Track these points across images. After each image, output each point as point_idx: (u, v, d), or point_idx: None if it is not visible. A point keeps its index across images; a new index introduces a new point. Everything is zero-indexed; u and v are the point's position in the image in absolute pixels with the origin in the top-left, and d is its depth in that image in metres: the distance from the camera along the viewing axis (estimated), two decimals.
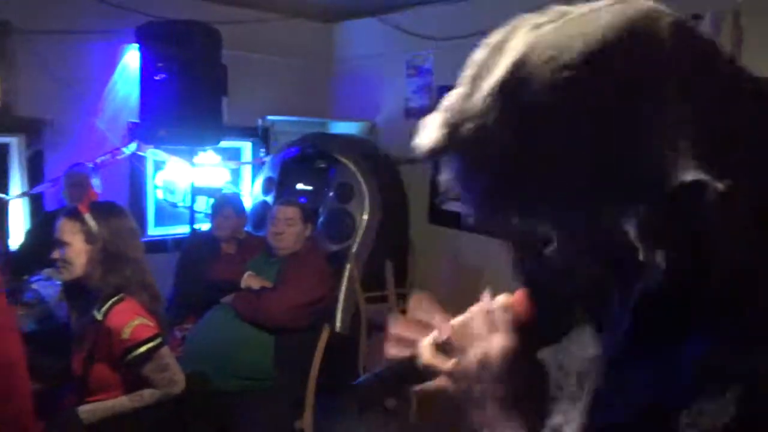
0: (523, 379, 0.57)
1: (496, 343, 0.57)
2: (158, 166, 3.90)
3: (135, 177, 3.82)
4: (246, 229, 3.32)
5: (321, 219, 3.68)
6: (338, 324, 3.60)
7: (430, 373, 0.61)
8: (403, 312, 2.91)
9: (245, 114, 4.11)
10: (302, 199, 3.73)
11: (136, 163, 3.77)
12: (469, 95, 0.51)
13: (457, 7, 3.66)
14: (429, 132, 0.53)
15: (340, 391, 3.47)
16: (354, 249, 3.62)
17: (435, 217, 3.91)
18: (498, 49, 0.51)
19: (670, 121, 0.44)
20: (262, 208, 3.70)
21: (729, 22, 2.57)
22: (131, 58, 3.60)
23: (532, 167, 0.48)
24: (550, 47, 0.47)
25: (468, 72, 0.53)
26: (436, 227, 3.90)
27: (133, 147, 3.62)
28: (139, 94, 3.24)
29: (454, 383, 0.59)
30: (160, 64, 3.22)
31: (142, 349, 1.82)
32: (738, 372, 0.42)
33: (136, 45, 3.29)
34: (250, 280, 2.65)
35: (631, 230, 0.44)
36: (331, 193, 3.74)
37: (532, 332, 0.58)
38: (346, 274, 3.61)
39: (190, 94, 3.20)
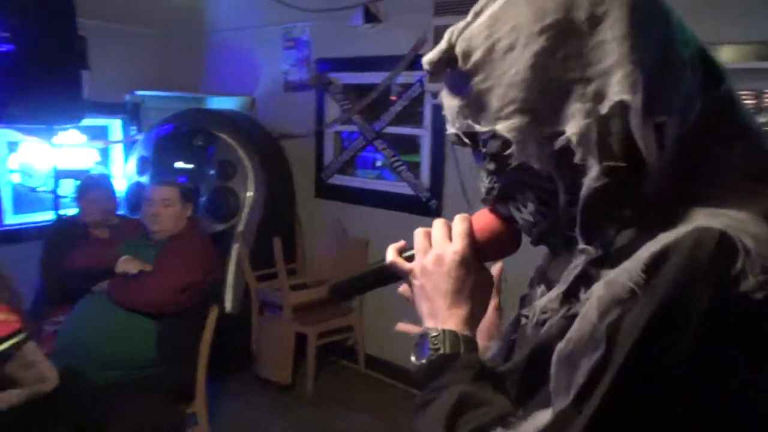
0: (473, 279, 0.67)
1: (451, 247, 0.68)
2: (12, 147, 3.53)
3: None
4: (121, 213, 3.11)
5: (203, 198, 3.55)
6: (228, 304, 3.52)
7: (395, 271, 0.72)
8: (293, 288, 3.00)
9: (111, 89, 3.82)
10: (182, 179, 3.57)
11: None
12: (469, 24, 0.63)
13: None
14: (434, 50, 0.64)
15: (232, 372, 3.43)
16: (240, 227, 3.54)
17: (321, 191, 3.92)
18: None
19: (613, 58, 0.55)
20: (137, 190, 3.50)
21: None
22: None
23: (499, 81, 0.59)
24: None
25: (474, 6, 0.64)
26: (322, 201, 3.91)
27: None
28: None
29: (412, 279, 0.70)
30: (4, 34, 2.89)
31: (4, 346, 1.67)
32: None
33: None
34: (126, 264, 2.50)
35: (573, 137, 0.56)
36: (212, 171, 3.62)
37: (484, 243, 0.69)
38: (234, 253, 3.53)
39: (43, 68, 2.92)
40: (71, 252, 2.66)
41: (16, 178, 3.56)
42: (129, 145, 3.96)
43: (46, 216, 3.48)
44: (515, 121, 0.59)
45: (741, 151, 0.57)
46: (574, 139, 0.55)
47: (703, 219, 0.51)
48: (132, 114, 4.01)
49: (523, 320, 0.69)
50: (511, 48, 0.59)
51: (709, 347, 0.47)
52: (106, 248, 2.65)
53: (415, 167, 3.50)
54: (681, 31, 0.60)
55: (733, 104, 0.60)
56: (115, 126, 4.05)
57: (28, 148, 3.47)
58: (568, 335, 0.53)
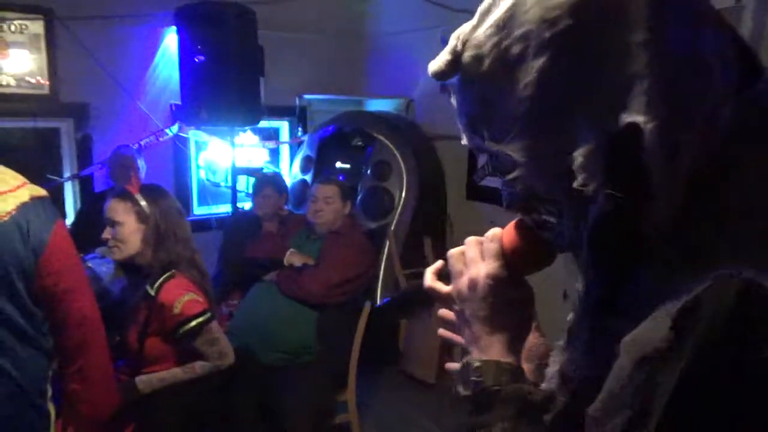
0: (508, 301, 0.63)
1: (483, 269, 0.64)
2: (200, 146, 3.99)
3: (179, 158, 3.91)
4: (287, 207, 3.37)
5: (359, 197, 3.72)
6: (379, 300, 3.65)
7: (432, 296, 0.70)
8: None
9: (282, 94, 4.14)
10: (340, 177, 3.77)
11: (179, 144, 3.86)
12: (475, 27, 0.57)
13: None
14: (439, 57, 0.59)
15: (380, 366, 3.55)
16: (392, 226, 3.64)
17: (473, 193, 3.90)
18: None
19: (630, 69, 0.48)
20: (301, 187, 3.76)
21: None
22: (171, 40, 3.66)
23: (508, 95, 0.54)
24: None
25: (480, 7, 0.58)
26: (473, 203, 3.89)
27: (175, 129, 3.71)
28: (179, 76, 3.30)
29: (449, 304, 0.68)
30: (198, 47, 3.26)
31: (193, 323, 1.89)
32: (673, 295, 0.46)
33: (175, 28, 3.34)
34: (292, 258, 2.71)
35: (577, 159, 0.50)
36: (368, 171, 3.77)
37: (516, 259, 0.64)
38: (385, 251, 3.65)
39: (228, 76, 3.24)
40: (246, 243, 2.94)
41: (203, 174, 4.02)
42: (295, 145, 4.27)
43: (225, 208, 3.88)
44: (522, 142, 0.54)
45: None
46: (578, 162, 0.50)
47: (729, 262, 0.44)
48: (299, 116, 4.32)
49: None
50: (521, 57, 0.53)
51: (736, 408, 0.43)
52: (275, 241, 2.89)
53: None
54: (710, 17, 0.51)
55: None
56: (284, 128, 4.40)
57: (213, 147, 3.89)
58: (599, 396, 0.49)
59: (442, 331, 0.82)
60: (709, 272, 0.44)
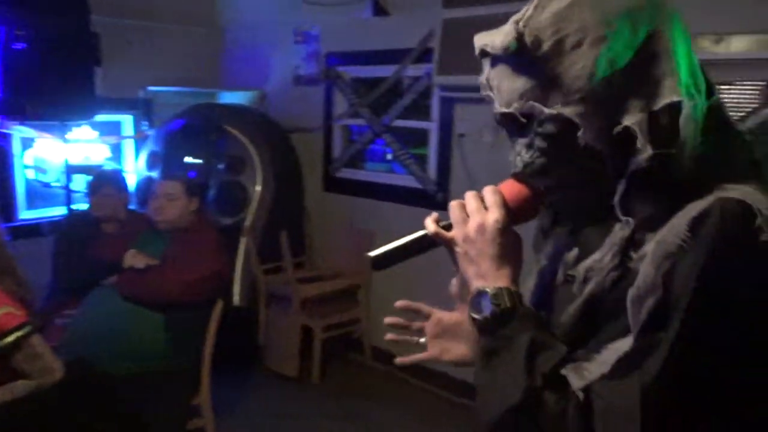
0: (510, 243, 0.76)
1: (492, 216, 0.75)
2: (26, 144, 3.60)
3: (0, 157, 3.50)
4: (132, 207, 3.15)
5: (212, 192, 3.59)
6: (236, 297, 3.56)
7: (437, 241, 0.79)
8: (300, 281, 3.01)
9: (124, 85, 3.87)
10: (191, 173, 3.60)
11: (0, 141, 3.45)
12: (532, 16, 0.70)
13: None
14: (502, 35, 0.71)
15: (240, 364, 3.47)
16: (248, 222, 3.56)
17: (330, 185, 3.93)
18: None
19: (663, 67, 0.68)
20: (148, 185, 3.54)
21: None
22: None
23: (567, 72, 0.69)
24: None
25: None
26: (330, 195, 3.92)
27: None
28: None
29: (456, 246, 0.77)
30: (19, 32, 2.94)
31: (10, 338, 1.71)
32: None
33: None
34: (133, 259, 2.54)
35: (633, 127, 0.67)
36: (221, 166, 3.64)
37: (514, 209, 0.77)
38: (242, 247, 3.56)
39: (57, 65, 2.97)
40: (83, 247, 2.71)
41: (30, 174, 3.63)
42: (140, 140, 4.01)
43: (59, 211, 3.55)
44: (582, 108, 0.68)
45: (737, 144, 0.73)
46: (635, 129, 0.67)
47: (722, 193, 0.65)
48: (144, 110, 4.06)
49: (559, 278, 0.80)
50: (578, 44, 0.68)
51: (748, 287, 0.62)
52: (115, 243, 2.70)
53: (422, 160, 3.49)
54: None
55: (724, 110, 0.73)
56: (127, 122, 4.11)
57: (42, 144, 3.53)
58: (636, 283, 0.65)
59: (400, 303, 1.00)
60: (712, 199, 0.64)
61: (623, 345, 0.66)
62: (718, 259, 0.61)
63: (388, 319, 1.00)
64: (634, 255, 0.68)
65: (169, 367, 2.47)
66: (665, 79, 0.68)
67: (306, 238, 3.89)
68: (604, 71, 0.68)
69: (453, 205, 0.78)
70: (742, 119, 2.40)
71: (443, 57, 3.07)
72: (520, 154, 0.76)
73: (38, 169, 3.61)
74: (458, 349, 0.96)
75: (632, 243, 0.69)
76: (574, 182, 0.74)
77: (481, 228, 0.75)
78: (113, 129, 4.03)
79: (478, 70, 0.78)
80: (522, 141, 0.75)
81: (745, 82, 2.42)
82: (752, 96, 2.42)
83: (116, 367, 2.35)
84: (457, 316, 0.96)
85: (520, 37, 0.70)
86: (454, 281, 0.94)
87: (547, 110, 0.70)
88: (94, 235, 2.83)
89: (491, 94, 0.76)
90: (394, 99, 3.58)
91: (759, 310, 0.62)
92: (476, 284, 0.76)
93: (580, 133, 0.69)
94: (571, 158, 0.72)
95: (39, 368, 1.79)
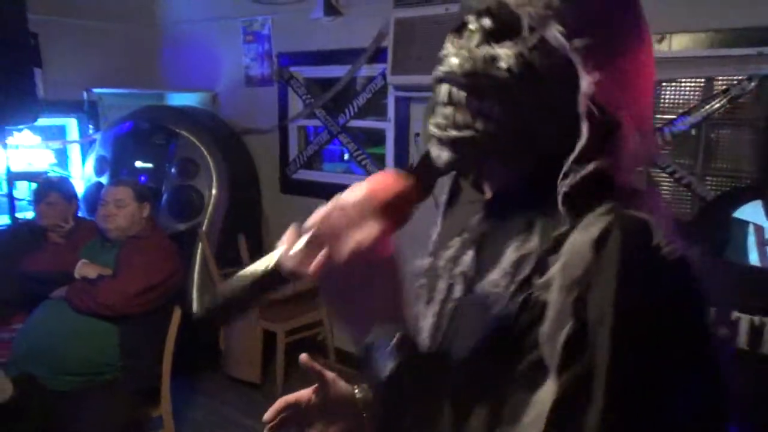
0: (390, 265, 0.63)
1: (364, 233, 0.60)
2: None
3: None
4: (80, 215, 3.03)
5: (165, 197, 3.49)
6: (194, 304, 3.47)
7: (291, 278, 0.64)
8: None
9: (67, 87, 3.72)
10: (142, 178, 3.50)
11: None
12: None
13: None
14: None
15: (201, 371, 3.40)
16: (204, 226, 3.49)
17: (287, 187, 3.88)
18: None
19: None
20: (96, 191, 3.41)
21: None
22: None
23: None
24: None
25: None
26: (288, 196, 3.88)
27: None
28: None
29: (325, 281, 0.62)
30: None
31: None
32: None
33: None
34: (85, 269, 2.44)
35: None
36: (173, 170, 3.55)
37: (397, 204, 0.62)
38: (198, 252, 3.48)
39: None
40: (27, 257, 2.58)
41: None
42: (87, 144, 3.86)
43: (1, 220, 3.38)
44: (590, 46, 0.60)
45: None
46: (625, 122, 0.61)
47: (619, 212, 0.59)
48: (89, 112, 3.91)
49: (456, 291, 0.70)
50: None
51: (659, 301, 0.56)
52: (63, 252, 2.59)
53: (380, 160, 3.49)
54: None
55: None
56: (71, 125, 3.95)
57: None
58: (547, 318, 0.58)
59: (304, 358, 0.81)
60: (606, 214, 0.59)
61: (546, 393, 0.57)
62: (628, 281, 0.56)
63: (269, 427, 0.83)
64: (536, 281, 0.60)
65: (124, 379, 2.39)
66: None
67: (264, 241, 3.84)
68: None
69: (313, 223, 0.63)
70: (671, 122, 2.50)
71: (397, 56, 3.07)
72: (475, 58, 0.63)
73: None
74: (337, 426, 0.82)
75: (538, 265, 0.61)
76: (507, 134, 0.63)
77: (355, 254, 0.60)
78: (57, 133, 3.87)
79: (431, 70, 0.69)
80: (487, 49, 0.63)
81: (686, 80, 2.52)
82: (693, 93, 2.53)
83: (67, 382, 2.26)
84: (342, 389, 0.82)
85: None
86: (303, 357, 0.81)
87: (564, 40, 0.60)
88: (40, 244, 2.71)
89: None
90: (349, 99, 3.56)
91: (676, 325, 0.57)
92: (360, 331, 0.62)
93: (588, 84, 0.59)
94: (532, 107, 0.63)
95: None
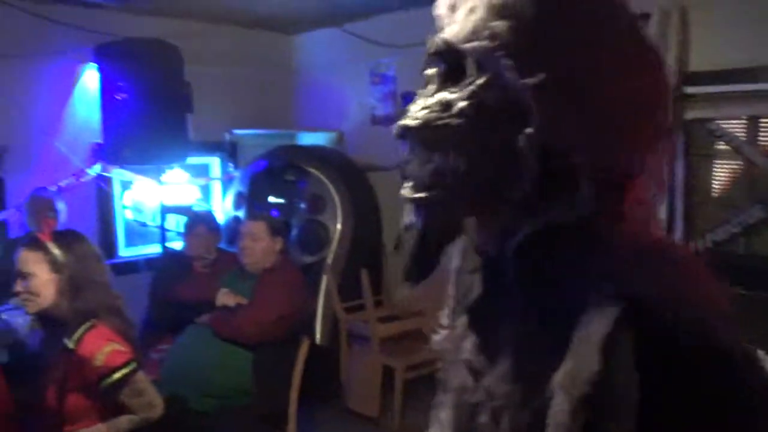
0: None
1: None
2: (125, 186, 3.84)
3: (102, 198, 3.75)
4: (220, 246, 3.28)
5: (294, 231, 3.67)
6: (318, 336, 3.59)
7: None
8: (380, 320, 2.98)
9: (211, 129, 4.08)
10: (274, 212, 3.71)
11: (102, 184, 3.70)
12: None
13: (415, 14, 3.70)
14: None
15: (321, 402, 3.47)
16: (329, 260, 3.61)
17: None
18: None
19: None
20: (235, 224, 3.68)
21: (676, 20, 2.65)
22: (89, 77, 3.54)
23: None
24: None
25: None
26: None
27: (97, 168, 3.56)
28: (101, 114, 3.18)
29: None
30: (120, 84, 3.17)
31: (117, 375, 1.79)
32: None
33: (94, 64, 3.23)
34: (225, 298, 2.63)
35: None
36: (302, 205, 3.74)
37: None
38: (323, 285, 3.61)
39: (153, 112, 3.16)
40: (176, 284, 2.83)
41: (129, 214, 3.86)
42: (227, 181, 4.18)
43: (154, 249, 3.73)
44: (558, 100, 0.51)
45: None
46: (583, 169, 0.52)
47: (626, 298, 0.49)
48: (230, 152, 4.26)
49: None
50: None
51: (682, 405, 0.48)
52: (207, 281, 2.80)
53: None
54: None
55: None
56: (214, 164, 4.31)
57: (139, 186, 3.76)
58: (551, 420, 0.50)
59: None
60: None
61: None
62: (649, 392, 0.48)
63: None
64: (542, 384, 0.52)
65: (256, 404, 2.51)
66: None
67: (385, 276, 3.90)
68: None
69: None
70: None
71: None
72: (430, 107, 0.57)
73: (136, 210, 3.84)
74: None
75: (540, 362, 0.53)
76: (471, 184, 0.56)
77: None
78: (202, 171, 4.24)
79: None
80: (442, 95, 0.57)
81: None
82: None
83: (208, 404, 2.41)
84: None
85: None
86: None
87: (513, 76, 0.52)
88: (187, 273, 2.96)
89: (449, 17, 0.57)
90: None
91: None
92: None
93: (528, 131, 0.51)
94: (490, 150, 0.54)
95: (142, 404, 1.85)
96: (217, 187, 4.31)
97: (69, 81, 3.59)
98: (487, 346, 0.60)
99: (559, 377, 0.50)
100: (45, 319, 1.90)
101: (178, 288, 2.80)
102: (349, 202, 3.68)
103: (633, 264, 0.50)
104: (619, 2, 0.56)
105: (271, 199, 3.83)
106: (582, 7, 0.54)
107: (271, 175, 3.85)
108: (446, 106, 0.56)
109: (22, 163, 3.40)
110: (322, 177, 3.71)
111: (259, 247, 2.69)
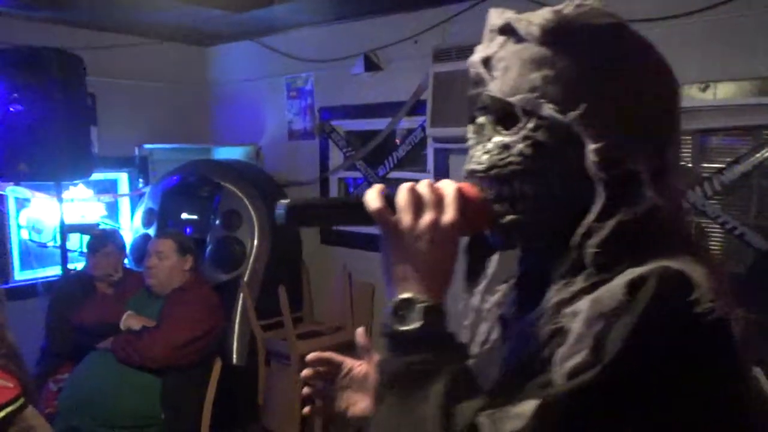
0: (452, 255, 0.66)
1: (446, 216, 0.64)
2: (21, 204, 3.58)
3: None
4: (127, 265, 3.12)
5: (209, 248, 3.55)
6: (234, 356, 3.47)
7: (373, 218, 0.65)
8: (300, 336, 2.93)
9: (121, 143, 3.91)
10: (188, 229, 3.58)
11: None
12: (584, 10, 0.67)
13: (334, 29, 3.72)
14: (540, 17, 0.66)
15: (240, 424, 3.36)
16: (246, 277, 3.52)
17: (327, 238, 3.91)
18: None
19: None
20: (144, 242, 3.51)
21: None
22: None
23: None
24: None
25: None
26: (328, 247, 3.90)
27: None
28: None
29: (394, 235, 0.65)
30: (14, 95, 2.97)
31: (3, 413, 1.64)
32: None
33: None
34: (129, 321, 2.49)
35: (645, 175, 0.63)
36: (217, 221, 3.63)
37: (469, 215, 0.66)
38: (240, 303, 3.50)
39: (53, 125, 2.98)
40: (77, 307, 2.66)
41: (25, 235, 3.60)
42: (136, 198, 4.00)
43: (54, 271, 3.49)
44: (597, 129, 0.63)
45: (671, 219, 0.67)
46: (645, 175, 0.63)
47: (662, 261, 0.60)
48: (140, 167, 4.07)
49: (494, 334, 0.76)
50: None
51: (674, 358, 0.56)
52: (111, 304, 2.65)
53: None
54: None
55: None
56: (122, 180, 4.11)
57: (37, 204, 3.51)
58: (567, 342, 0.59)
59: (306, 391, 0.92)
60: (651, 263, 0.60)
61: (530, 404, 0.57)
62: (648, 325, 0.56)
63: (305, 372, 0.93)
64: (566, 310, 0.62)
65: (165, 431, 2.39)
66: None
67: (304, 292, 3.84)
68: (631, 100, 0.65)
69: (404, 188, 0.65)
70: (720, 171, 2.43)
71: (435, 109, 3.12)
72: (490, 151, 0.68)
73: (33, 230, 3.58)
74: (363, 403, 0.91)
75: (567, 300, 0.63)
76: (542, 205, 0.67)
77: (433, 226, 0.63)
78: (109, 187, 4.03)
79: (467, 122, 0.72)
80: (499, 139, 0.67)
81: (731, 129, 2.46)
82: (742, 142, 2.47)
83: None
84: (366, 368, 0.91)
85: (561, 25, 0.64)
86: (360, 331, 0.92)
87: (558, 115, 0.63)
88: (89, 295, 2.79)
89: (487, 74, 0.69)
90: (388, 151, 3.61)
91: (676, 387, 0.56)
92: (405, 289, 0.63)
93: (591, 151, 0.62)
94: (552, 176, 0.65)
95: None
96: (125, 203, 4.10)
97: None
98: (526, 304, 0.71)
99: (586, 299, 0.60)
100: None
101: (80, 311, 2.63)
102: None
103: (672, 247, 0.62)
104: (630, 32, 0.67)
105: (185, 215, 3.69)
106: (602, 39, 0.65)
107: (185, 190, 3.71)
108: (505, 147, 0.67)
109: None
110: (238, 192, 3.62)
111: (166, 266, 2.59)
